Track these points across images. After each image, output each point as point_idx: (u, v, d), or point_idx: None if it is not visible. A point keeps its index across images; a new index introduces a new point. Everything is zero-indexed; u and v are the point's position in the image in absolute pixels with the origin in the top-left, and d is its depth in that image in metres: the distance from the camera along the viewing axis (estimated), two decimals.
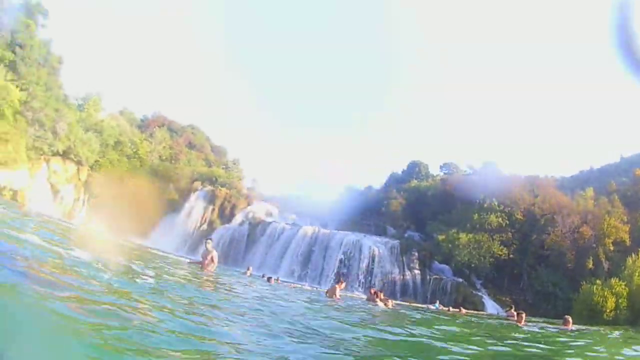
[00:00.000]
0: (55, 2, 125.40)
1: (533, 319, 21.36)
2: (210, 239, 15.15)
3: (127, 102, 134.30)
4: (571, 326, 14.91)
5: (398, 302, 23.43)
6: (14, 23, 52.33)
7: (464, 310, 26.91)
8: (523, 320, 15.00)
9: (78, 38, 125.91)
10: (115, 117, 68.06)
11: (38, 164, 50.87)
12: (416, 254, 44.78)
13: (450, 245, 44.07)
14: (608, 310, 26.17)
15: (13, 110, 48.48)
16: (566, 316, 15.27)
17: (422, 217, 53.84)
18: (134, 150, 63.64)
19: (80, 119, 58.56)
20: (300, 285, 27.57)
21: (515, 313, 17.52)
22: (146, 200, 57.48)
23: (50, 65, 56.27)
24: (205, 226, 55.99)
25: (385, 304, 15.16)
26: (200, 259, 14.05)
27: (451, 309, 28.51)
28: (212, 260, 13.30)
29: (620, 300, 26.38)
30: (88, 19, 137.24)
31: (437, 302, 31.49)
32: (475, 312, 31.50)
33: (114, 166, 60.62)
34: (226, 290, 9.67)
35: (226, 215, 56.82)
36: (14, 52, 51.53)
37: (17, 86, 50.10)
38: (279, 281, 22.75)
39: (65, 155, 54.56)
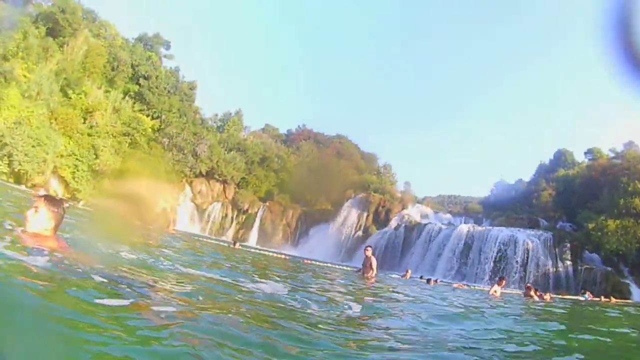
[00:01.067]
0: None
1: None
2: (370, 246, 15.74)
3: (269, 118, 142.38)
4: None
5: (552, 295, 21.93)
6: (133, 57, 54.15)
7: (614, 300, 26.87)
8: None
9: (214, 60, 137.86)
10: (258, 135, 70.17)
11: (180, 186, 52.39)
12: (568, 245, 44.06)
13: (599, 234, 42.68)
14: None
15: (147, 139, 50.19)
16: None
17: (571, 206, 52.17)
18: (281, 164, 64.28)
19: (222, 140, 60.53)
20: (465, 286, 26.29)
21: None
22: (296, 211, 60.06)
23: (182, 92, 57.91)
24: (360, 233, 55.92)
25: (543, 298, 16.11)
26: (361, 267, 14.38)
27: (602, 298, 28.20)
28: (371, 266, 13.50)
29: None
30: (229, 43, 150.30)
31: (587, 292, 30.79)
32: (624, 300, 31.04)
33: (261, 182, 61.57)
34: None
35: (381, 221, 56.41)
36: (138, 83, 53.18)
37: (147, 115, 51.79)
38: (438, 282, 22.64)
39: (209, 175, 56.42)
